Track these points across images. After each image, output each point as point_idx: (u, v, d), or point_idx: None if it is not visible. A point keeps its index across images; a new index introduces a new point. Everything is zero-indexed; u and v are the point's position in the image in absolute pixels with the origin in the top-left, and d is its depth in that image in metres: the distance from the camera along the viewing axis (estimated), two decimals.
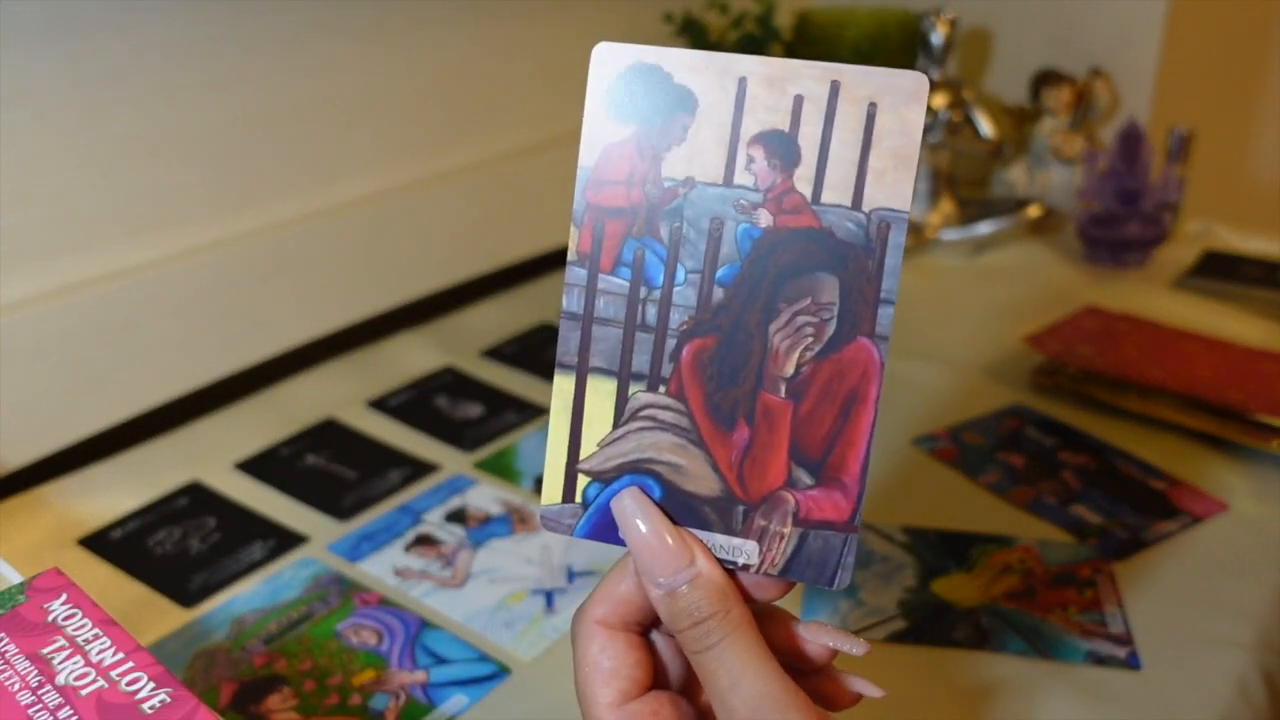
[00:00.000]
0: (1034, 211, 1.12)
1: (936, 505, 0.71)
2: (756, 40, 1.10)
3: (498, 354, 0.90)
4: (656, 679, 0.37)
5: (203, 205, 0.79)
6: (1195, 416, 0.77)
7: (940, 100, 1.09)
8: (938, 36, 1.08)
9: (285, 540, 0.67)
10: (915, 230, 1.10)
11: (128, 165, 0.74)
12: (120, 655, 0.40)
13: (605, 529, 0.36)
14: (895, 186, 0.33)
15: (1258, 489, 0.72)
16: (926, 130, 1.08)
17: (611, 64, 0.34)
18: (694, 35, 1.08)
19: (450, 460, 0.76)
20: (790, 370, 0.34)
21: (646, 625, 0.37)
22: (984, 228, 1.10)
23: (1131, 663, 0.57)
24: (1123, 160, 1.04)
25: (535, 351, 0.91)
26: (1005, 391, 0.84)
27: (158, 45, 0.73)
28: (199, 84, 0.76)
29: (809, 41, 1.17)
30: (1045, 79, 1.15)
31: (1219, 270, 1.03)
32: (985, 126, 1.09)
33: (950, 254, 1.10)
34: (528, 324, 0.95)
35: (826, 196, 0.34)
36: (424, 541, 0.67)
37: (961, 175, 1.18)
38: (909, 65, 1.13)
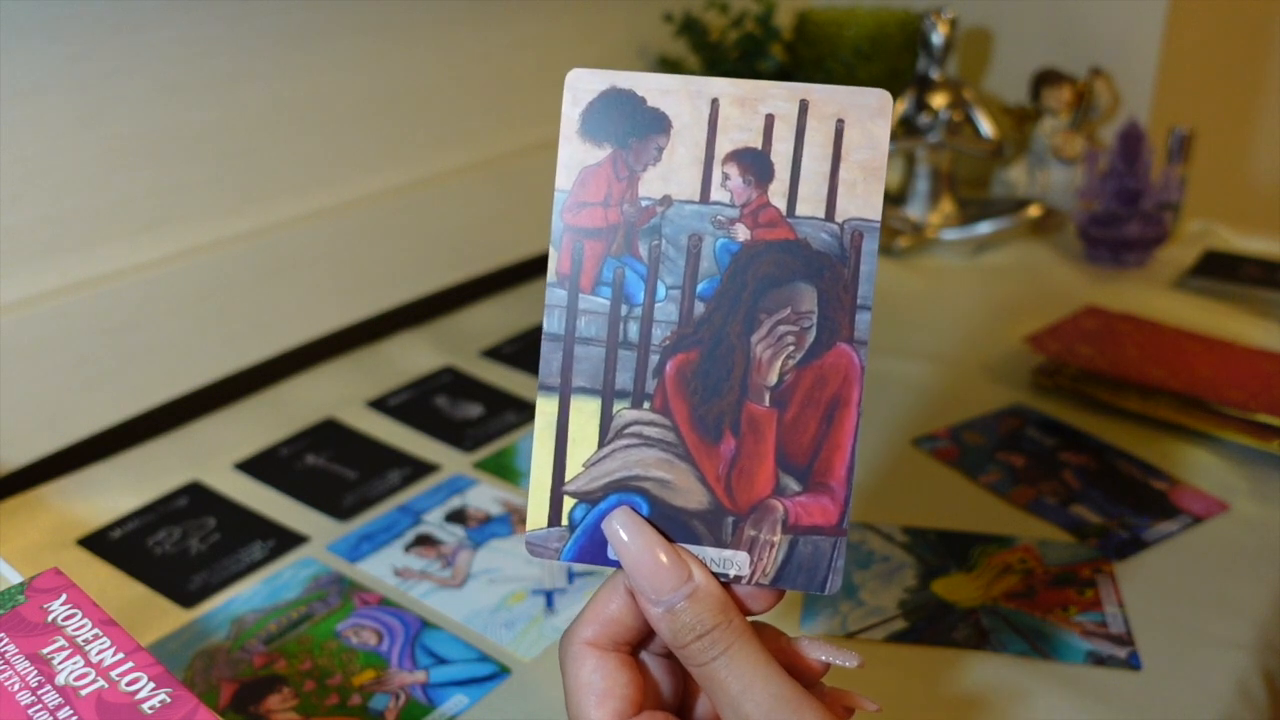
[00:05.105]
0: (1034, 211, 1.12)
1: (936, 505, 0.70)
2: (756, 40, 1.09)
3: (497, 354, 0.90)
4: (648, 699, 0.36)
5: (202, 205, 0.79)
6: (1195, 416, 0.77)
7: (940, 100, 1.09)
8: (938, 36, 1.08)
9: (285, 540, 0.67)
10: (915, 230, 1.10)
11: (128, 165, 0.74)
12: (120, 655, 0.40)
13: (593, 551, 0.35)
14: (866, 197, 0.34)
15: (1258, 489, 0.72)
16: (927, 130, 1.08)
17: (585, 90, 0.35)
18: (694, 35, 1.08)
19: (450, 460, 0.76)
20: (773, 379, 0.35)
21: (636, 645, 0.37)
22: (984, 228, 1.10)
23: (1131, 663, 0.57)
24: (1123, 160, 1.04)
25: (535, 351, 0.91)
26: (1005, 391, 0.84)
27: (158, 45, 0.73)
28: (199, 84, 0.76)
29: (809, 41, 1.17)
30: (1045, 79, 1.15)
31: (1219, 270, 1.03)
32: (985, 126, 1.09)
33: (950, 254, 1.10)
34: (527, 324, 0.95)
35: (801, 209, 0.34)
36: (424, 541, 0.67)
37: (961, 175, 1.18)
38: (909, 65, 1.13)
